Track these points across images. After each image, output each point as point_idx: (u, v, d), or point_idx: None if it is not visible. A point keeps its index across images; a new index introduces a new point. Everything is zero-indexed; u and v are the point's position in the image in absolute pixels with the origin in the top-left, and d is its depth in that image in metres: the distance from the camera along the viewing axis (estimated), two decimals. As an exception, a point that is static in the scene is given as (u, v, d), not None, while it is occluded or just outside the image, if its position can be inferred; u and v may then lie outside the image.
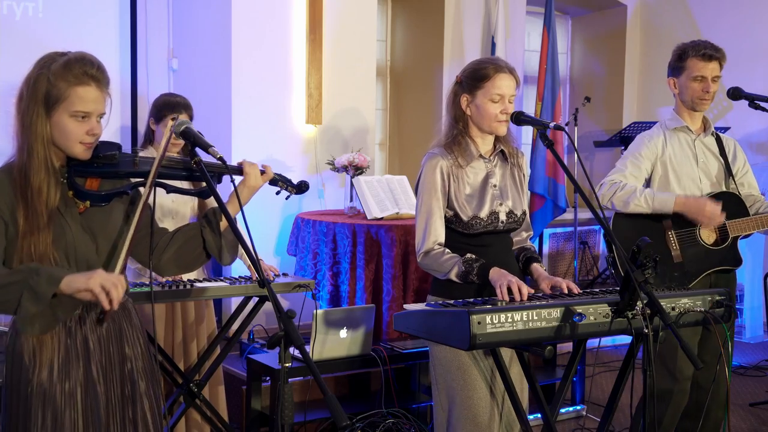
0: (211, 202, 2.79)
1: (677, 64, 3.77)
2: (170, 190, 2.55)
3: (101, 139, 2.40)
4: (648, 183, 3.81)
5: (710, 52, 3.71)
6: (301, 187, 2.87)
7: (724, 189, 3.81)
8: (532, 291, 2.78)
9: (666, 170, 3.77)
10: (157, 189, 2.49)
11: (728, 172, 3.82)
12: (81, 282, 2.22)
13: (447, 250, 2.99)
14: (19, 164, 2.32)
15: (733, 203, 3.75)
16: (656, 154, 3.78)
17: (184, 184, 2.84)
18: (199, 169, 2.40)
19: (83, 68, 2.31)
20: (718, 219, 3.64)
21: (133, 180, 2.48)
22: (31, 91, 2.30)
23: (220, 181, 2.59)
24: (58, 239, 2.33)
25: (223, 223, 2.55)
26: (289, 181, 2.83)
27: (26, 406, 2.35)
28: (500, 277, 2.82)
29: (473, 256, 2.92)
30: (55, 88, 2.28)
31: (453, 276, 2.93)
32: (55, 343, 2.37)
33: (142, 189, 2.46)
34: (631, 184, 3.71)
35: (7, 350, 2.42)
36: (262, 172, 2.63)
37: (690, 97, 3.75)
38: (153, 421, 2.54)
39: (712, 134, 3.86)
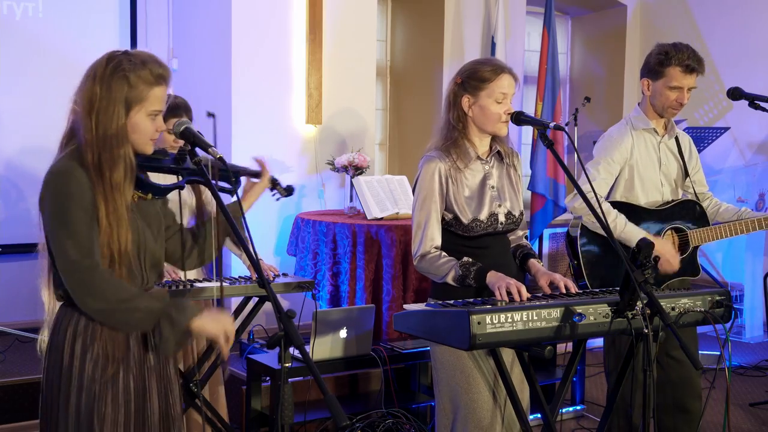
0: (210, 202, 2.81)
1: (657, 68, 3.67)
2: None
3: None
4: (612, 186, 3.77)
5: (693, 65, 3.63)
6: (290, 190, 3.01)
7: (680, 190, 3.83)
8: (530, 296, 2.78)
9: (632, 174, 3.73)
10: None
11: (685, 172, 3.83)
12: (211, 328, 2.35)
13: (444, 253, 2.98)
14: (93, 161, 2.31)
15: (693, 211, 3.78)
16: (626, 158, 3.72)
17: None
18: (199, 169, 2.40)
19: (159, 70, 2.37)
20: (673, 268, 3.64)
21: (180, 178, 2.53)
22: (106, 91, 2.32)
23: (238, 183, 2.63)
24: (132, 237, 2.36)
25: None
26: (279, 182, 2.97)
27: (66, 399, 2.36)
28: (498, 280, 2.81)
29: (470, 260, 2.92)
30: (136, 90, 2.33)
31: (450, 280, 2.93)
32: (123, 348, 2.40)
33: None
34: (602, 194, 3.65)
35: (49, 345, 2.44)
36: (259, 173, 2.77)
37: (662, 104, 3.69)
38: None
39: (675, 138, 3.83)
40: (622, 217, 3.63)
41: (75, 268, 2.26)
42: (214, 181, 2.45)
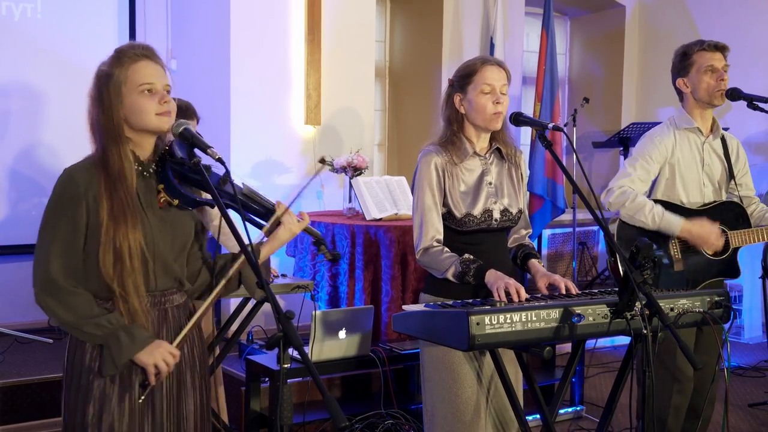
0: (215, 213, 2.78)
1: (683, 63, 3.72)
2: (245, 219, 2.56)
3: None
4: (653, 184, 3.78)
5: (714, 42, 3.69)
6: (336, 257, 2.89)
7: (724, 192, 3.80)
8: (528, 296, 2.78)
9: (673, 173, 3.72)
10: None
11: (730, 174, 3.81)
12: (144, 359, 2.38)
13: (446, 248, 2.98)
14: (99, 157, 2.39)
15: (735, 213, 3.75)
16: (666, 157, 3.71)
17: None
18: (199, 171, 2.40)
19: (134, 50, 2.43)
20: (718, 247, 3.65)
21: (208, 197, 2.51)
22: (96, 92, 2.41)
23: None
24: (142, 232, 2.39)
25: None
26: (326, 244, 2.83)
27: (85, 398, 2.40)
28: (497, 280, 2.81)
29: (471, 257, 2.92)
30: (117, 76, 2.38)
31: (450, 275, 2.93)
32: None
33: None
34: (640, 194, 3.65)
35: (68, 348, 2.48)
36: (297, 220, 2.65)
37: (706, 90, 3.68)
38: (200, 415, 2.59)
39: (720, 138, 3.83)
40: (658, 207, 3.62)
41: (45, 277, 2.35)
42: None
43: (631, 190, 3.64)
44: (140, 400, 2.41)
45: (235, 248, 2.60)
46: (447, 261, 2.94)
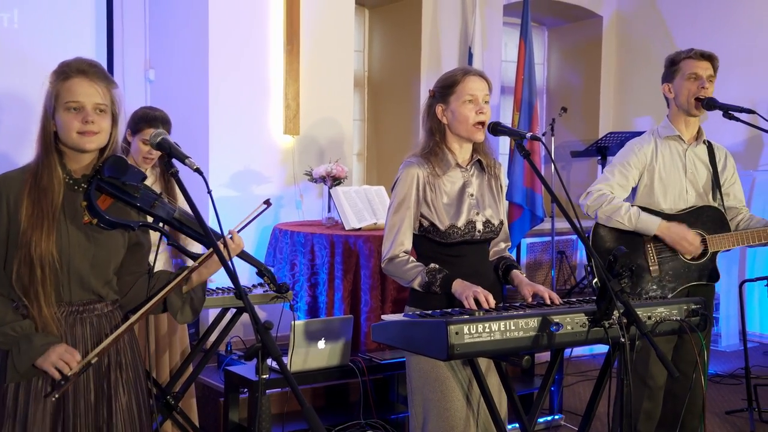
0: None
1: (670, 69, 3.77)
2: (170, 242, 2.58)
3: (133, 163, 2.44)
4: (634, 192, 3.81)
5: (701, 51, 3.75)
6: (281, 288, 2.88)
7: (710, 199, 3.81)
8: (496, 302, 2.79)
9: (652, 180, 3.75)
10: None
11: (716, 182, 3.82)
12: (42, 363, 2.36)
13: (412, 258, 3.00)
14: (33, 167, 2.44)
15: (713, 217, 3.76)
16: (644, 163, 3.75)
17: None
18: (177, 181, 2.39)
19: (69, 66, 2.45)
20: (696, 250, 3.68)
21: (141, 219, 2.52)
22: (43, 105, 2.47)
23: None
24: (56, 243, 2.39)
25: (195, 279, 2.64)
26: (271, 275, 2.82)
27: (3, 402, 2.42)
28: (465, 289, 2.82)
29: (437, 267, 2.93)
30: (52, 90, 2.44)
31: (416, 285, 2.94)
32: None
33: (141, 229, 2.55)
34: (618, 196, 3.70)
35: None
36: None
37: (686, 98, 3.72)
38: (130, 422, 2.55)
39: (704, 143, 3.85)
40: (634, 209, 3.67)
41: None
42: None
43: (609, 193, 3.69)
44: (52, 398, 2.39)
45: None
46: (413, 271, 2.95)
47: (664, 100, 3.84)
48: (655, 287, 3.68)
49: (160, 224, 2.53)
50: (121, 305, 2.59)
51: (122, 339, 2.53)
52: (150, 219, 2.52)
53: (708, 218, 3.75)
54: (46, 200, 2.38)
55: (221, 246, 2.40)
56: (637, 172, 3.76)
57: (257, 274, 2.78)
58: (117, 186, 2.45)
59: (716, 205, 3.81)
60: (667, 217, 3.72)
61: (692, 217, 3.75)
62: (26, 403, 2.40)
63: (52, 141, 2.43)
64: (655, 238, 3.71)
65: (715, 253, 3.76)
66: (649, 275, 3.69)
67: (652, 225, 3.65)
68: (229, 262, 2.30)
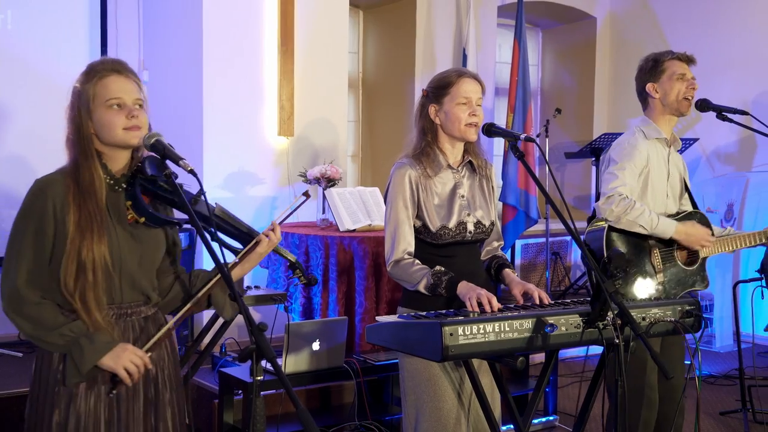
0: None
1: (654, 69, 3.72)
2: (213, 239, 2.56)
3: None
4: None
5: (687, 55, 3.74)
6: (311, 281, 2.88)
7: (679, 205, 3.83)
8: (501, 306, 2.78)
9: (646, 183, 3.70)
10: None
11: (685, 188, 3.85)
12: (111, 363, 2.36)
13: (417, 261, 2.99)
14: (71, 170, 2.41)
15: (703, 224, 3.76)
16: (644, 165, 3.69)
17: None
18: (170, 184, 2.39)
19: (102, 65, 2.44)
20: (712, 246, 3.70)
21: (180, 217, 2.52)
22: (71, 108, 2.43)
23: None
24: (108, 245, 2.39)
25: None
26: (302, 268, 2.84)
27: (51, 406, 2.40)
28: (469, 291, 2.82)
29: (442, 269, 2.93)
30: (85, 92, 2.41)
31: (421, 288, 2.94)
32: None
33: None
34: (637, 201, 3.62)
35: (36, 359, 2.47)
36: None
37: (675, 97, 3.69)
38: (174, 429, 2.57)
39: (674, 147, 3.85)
40: (654, 213, 3.62)
41: (11, 290, 2.36)
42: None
43: (630, 197, 3.59)
44: (111, 395, 2.40)
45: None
46: (418, 273, 2.95)
47: (642, 99, 3.81)
48: (658, 290, 3.65)
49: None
50: (160, 307, 2.60)
51: (165, 344, 2.55)
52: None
53: (698, 224, 3.77)
54: (91, 203, 2.37)
55: (264, 238, 2.58)
56: (638, 172, 3.70)
57: (288, 267, 2.80)
58: (159, 184, 2.44)
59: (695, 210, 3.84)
60: None
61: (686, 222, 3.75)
62: (81, 404, 2.39)
63: (91, 142, 2.42)
64: (660, 244, 3.70)
65: (704, 259, 3.78)
66: (655, 279, 3.67)
67: (670, 228, 3.63)
68: (226, 271, 2.29)
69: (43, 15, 5.89)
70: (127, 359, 2.37)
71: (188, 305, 2.53)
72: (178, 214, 2.55)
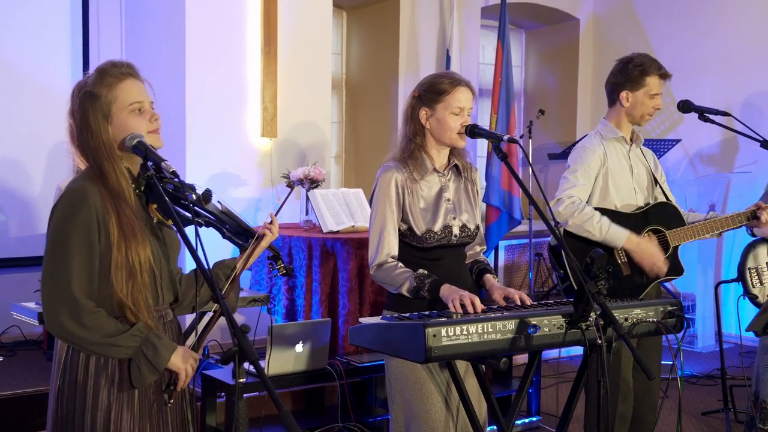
0: None
1: (638, 79, 3.76)
2: (225, 236, 2.63)
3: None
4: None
5: (666, 72, 3.80)
6: (289, 270, 2.88)
7: (652, 198, 3.88)
8: (484, 308, 2.79)
9: (606, 182, 3.78)
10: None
11: (654, 181, 3.91)
12: (179, 362, 2.40)
13: (400, 264, 2.99)
14: (97, 175, 2.37)
15: (670, 213, 3.83)
16: (599, 166, 3.78)
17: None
18: (153, 185, 2.37)
19: (117, 69, 2.42)
20: (659, 272, 3.71)
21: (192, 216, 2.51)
22: (81, 113, 2.38)
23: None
24: (151, 248, 2.39)
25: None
26: (282, 259, 2.85)
27: (83, 408, 2.36)
28: (452, 293, 2.82)
29: (425, 272, 2.93)
30: (102, 96, 2.37)
31: (404, 291, 2.94)
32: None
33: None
34: (587, 205, 3.69)
35: (63, 362, 2.40)
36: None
37: (641, 112, 3.79)
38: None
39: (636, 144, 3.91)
40: (605, 219, 3.66)
41: (69, 300, 2.28)
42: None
43: (580, 201, 3.69)
44: (168, 404, 2.43)
45: None
46: (401, 276, 2.95)
47: (611, 98, 3.86)
48: (628, 286, 3.70)
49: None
50: (172, 308, 2.59)
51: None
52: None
53: (668, 215, 3.83)
54: (127, 208, 2.35)
55: (267, 232, 2.62)
56: (594, 174, 3.78)
57: (269, 258, 2.81)
58: (174, 185, 2.43)
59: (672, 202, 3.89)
60: (627, 216, 3.75)
61: (650, 214, 3.81)
62: (123, 404, 2.38)
63: (114, 147, 2.39)
64: None
65: (676, 248, 3.82)
66: (622, 275, 3.71)
67: (621, 237, 3.66)
68: (207, 273, 2.28)
69: (24, 15, 5.85)
70: (189, 359, 2.40)
71: (228, 290, 2.59)
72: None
